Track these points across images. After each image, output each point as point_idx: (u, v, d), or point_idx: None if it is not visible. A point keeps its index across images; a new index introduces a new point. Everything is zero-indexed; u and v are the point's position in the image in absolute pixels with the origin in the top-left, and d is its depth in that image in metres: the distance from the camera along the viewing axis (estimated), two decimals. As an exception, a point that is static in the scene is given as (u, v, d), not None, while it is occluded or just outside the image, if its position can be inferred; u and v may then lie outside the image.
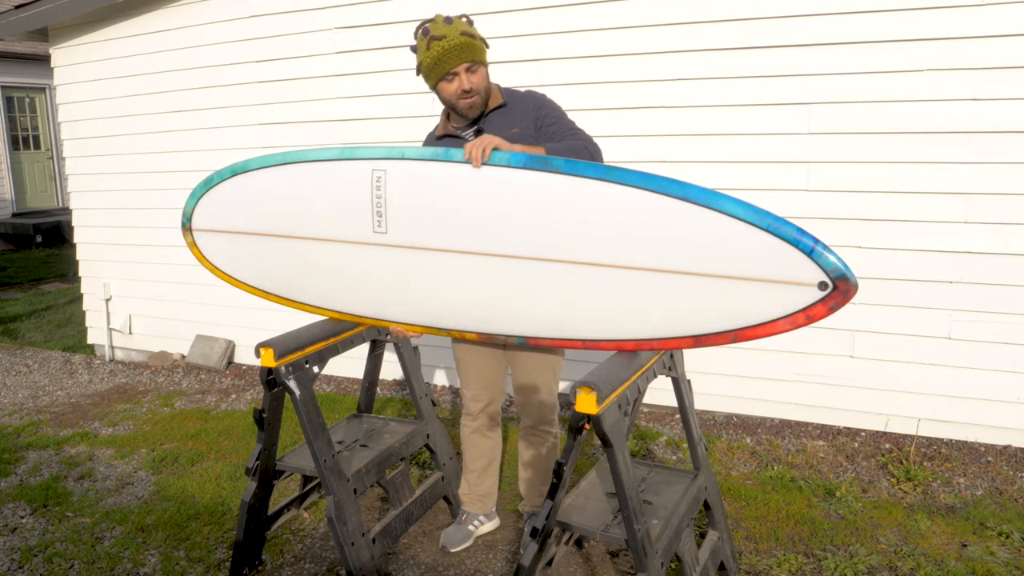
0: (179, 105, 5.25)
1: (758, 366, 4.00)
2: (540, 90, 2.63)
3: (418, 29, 2.43)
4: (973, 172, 3.49)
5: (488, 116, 2.54)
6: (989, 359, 3.61)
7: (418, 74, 2.51)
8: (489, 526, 3.04)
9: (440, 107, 2.62)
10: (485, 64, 2.49)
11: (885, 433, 3.84)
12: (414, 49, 2.47)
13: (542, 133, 2.50)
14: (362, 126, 4.66)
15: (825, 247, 1.86)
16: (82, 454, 3.93)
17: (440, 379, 4.86)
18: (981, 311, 3.58)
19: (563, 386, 4.46)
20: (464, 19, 2.43)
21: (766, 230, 1.90)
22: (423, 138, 2.71)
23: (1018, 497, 3.25)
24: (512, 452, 3.56)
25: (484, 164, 2.22)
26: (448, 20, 2.39)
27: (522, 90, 2.63)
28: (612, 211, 2.08)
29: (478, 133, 2.53)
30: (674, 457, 3.75)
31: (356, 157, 2.41)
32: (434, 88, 2.50)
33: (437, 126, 2.66)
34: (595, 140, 2.47)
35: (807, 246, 1.87)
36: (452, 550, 2.93)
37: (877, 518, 3.08)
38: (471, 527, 3.00)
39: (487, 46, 2.50)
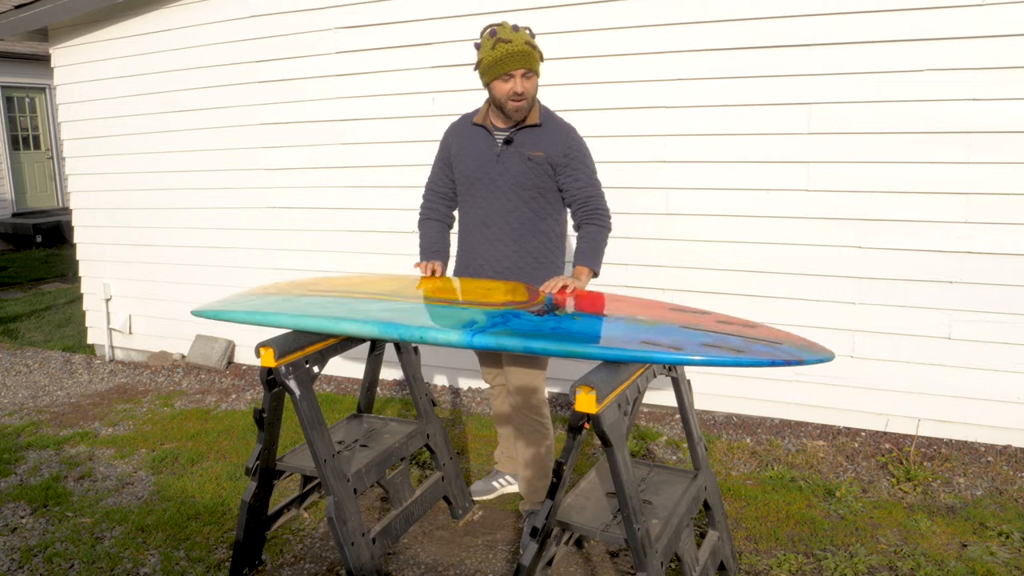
0: (179, 105, 5.25)
1: (758, 366, 4.00)
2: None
3: (485, 29, 2.67)
4: (973, 172, 3.49)
5: (523, 131, 2.78)
6: (989, 359, 3.61)
7: (476, 69, 2.74)
8: (516, 488, 3.21)
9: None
10: (539, 75, 2.73)
11: (885, 433, 3.84)
12: (477, 47, 2.69)
13: (561, 172, 2.77)
14: (362, 126, 4.66)
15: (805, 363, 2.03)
16: (82, 454, 3.93)
17: (440, 379, 4.86)
18: (981, 311, 3.58)
19: (563, 386, 4.46)
20: (528, 31, 2.67)
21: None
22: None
23: (1018, 497, 3.25)
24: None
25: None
26: (515, 28, 2.64)
27: (558, 117, 2.86)
28: None
29: (508, 143, 2.77)
30: (674, 457, 3.75)
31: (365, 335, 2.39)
32: (488, 85, 2.71)
33: (478, 111, 2.88)
34: (603, 194, 2.83)
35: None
36: (475, 499, 3.24)
37: (877, 518, 3.08)
38: (496, 483, 3.26)
39: (543, 59, 2.75)
